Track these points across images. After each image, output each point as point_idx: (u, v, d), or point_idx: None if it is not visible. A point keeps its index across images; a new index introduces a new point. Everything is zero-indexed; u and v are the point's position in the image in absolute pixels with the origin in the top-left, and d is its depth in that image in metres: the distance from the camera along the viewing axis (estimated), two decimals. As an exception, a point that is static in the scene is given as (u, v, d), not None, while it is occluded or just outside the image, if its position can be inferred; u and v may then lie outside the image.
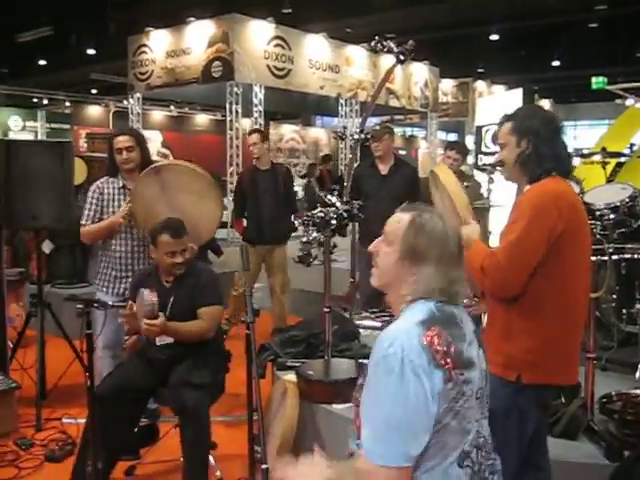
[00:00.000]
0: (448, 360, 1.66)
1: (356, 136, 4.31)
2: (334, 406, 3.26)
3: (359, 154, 5.24)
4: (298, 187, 14.66)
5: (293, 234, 5.70)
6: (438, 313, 1.74)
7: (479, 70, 22.38)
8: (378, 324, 4.69)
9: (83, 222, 4.05)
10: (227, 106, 14.47)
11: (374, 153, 5.49)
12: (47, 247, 5.75)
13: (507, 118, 2.55)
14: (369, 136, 5.33)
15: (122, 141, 4.01)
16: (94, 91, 27.77)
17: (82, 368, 4.53)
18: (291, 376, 3.53)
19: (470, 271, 2.34)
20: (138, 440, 3.73)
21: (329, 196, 3.69)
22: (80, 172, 6.31)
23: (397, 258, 1.82)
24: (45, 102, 26.12)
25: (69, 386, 4.72)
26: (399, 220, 1.85)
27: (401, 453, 1.63)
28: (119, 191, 4.07)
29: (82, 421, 3.85)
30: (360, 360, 3.59)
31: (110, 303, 2.98)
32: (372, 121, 16.84)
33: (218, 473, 3.49)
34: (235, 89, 14.30)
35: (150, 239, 3.55)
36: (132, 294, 3.47)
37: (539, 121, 2.46)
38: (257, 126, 14.42)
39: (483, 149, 8.53)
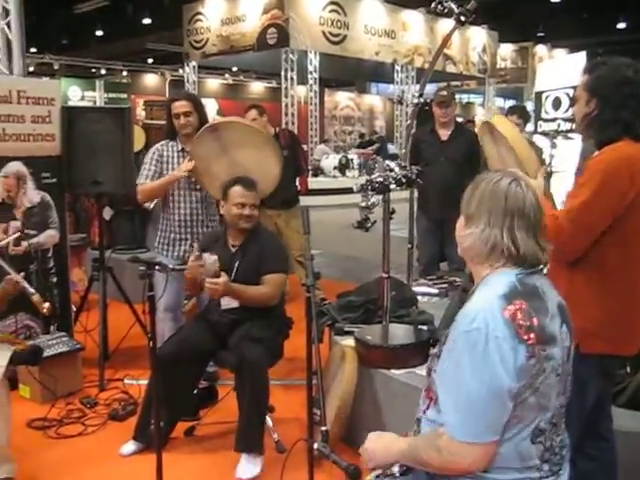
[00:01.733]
0: (531, 335, 1.63)
1: (415, 100, 4.24)
2: (392, 371, 3.25)
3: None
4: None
5: (351, 200, 5.66)
6: (520, 285, 1.69)
7: (539, 34, 21.73)
8: (435, 291, 4.65)
9: (141, 181, 4.10)
10: (282, 73, 14.46)
11: (439, 119, 5.37)
12: (107, 214, 5.86)
13: (588, 69, 2.39)
14: (439, 101, 5.27)
15: (180, 106, 4.04)
16: (150, 60, 28.06)
17: (142, 331, 4.69)
18: (349, 341, 3.52)
19: None
20: (197, 401, 3.80)
21: (387, 161, 3.64)
22: (138, 139, 6.39)
23: (463, 225, 1.79)
24: (103, 72, 26.52)
25: (130, 348, 4.83)
26: (469, 187, 1.81)
27: (485, 429, 1.62)
28: (178, 154, 4.11)
29: (143, 382, 3.94)
30: (419, 326, 3.56)
31: (171, 266, 3.00)
32: (428, 88, 16.51)
33: (275, 435, 3.52)
34: (290, 56, 14.26)
35: (221, 194, 3.57)
36: (198, 255, 3.48)
37: (612, 83, 2.27)
38: (312, 94, 14.31)
39: (543, 115, 8.29)
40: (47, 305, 3.30)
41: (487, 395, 1.60)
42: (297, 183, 6.04)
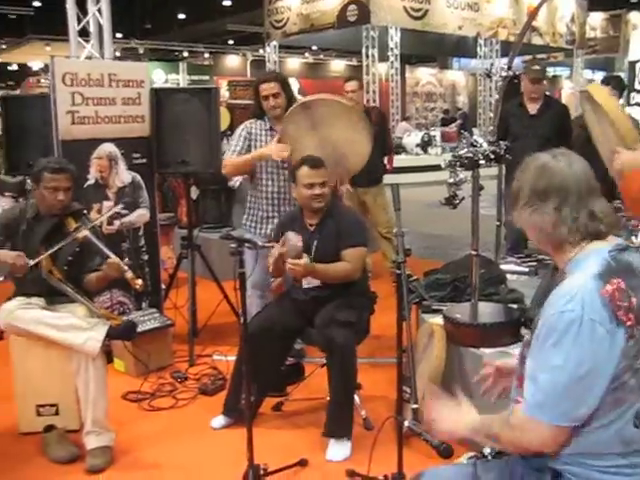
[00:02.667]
0: (630, 316, 1.55)
1: (504, 74, 4.12)
2: (482, 350, 3.19)
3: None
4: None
5: (433, 178, 5.64)
6: (614, 263, 1.61)
7: (633, 0, 20.71)
8: (525, 269, 4.54)
9: (229, 155, 4.14)
10: (363, 50, 14.32)
11: (530, 94, 5.22)
12: (194, 193, 5.98)
13: None
14: (533, 77, 5.12)
15: (268, 88, 4.04)
16: (231, 42, 28.37)
17: (230, 308, 4.78)
18: (437, 319, 3.48)
19: (625, 199, 2.16)
20: (285, 378, 3.85)
21: (475, 137, 3.56)
22: (223, 119, 6.47)
23: (524, 205, 1.72)
24: (185, 55, 27.00)
25: (218, 325, 4.93)
26: (519, 173, 1.75)
27: (567, 413, 1.57)
28: (266, 132, 4.12)
29: (231, 358, 4.01)
30: (509, 305, 3.48)
31: (260, 243, 3.03)
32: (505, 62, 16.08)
33: (363, 413, 3.52)
34: (371, 33, 14.12)
35: (291, 177, 3.58)
36: (276, 237, 3.52)
37: None
38: (394, 71, 14.15)
39: (636, 86, 7.94)
40: (140, 282, 3.40)
41: (571, 379, 1.55)
42: (385, 161, 6.00)
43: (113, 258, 3.35)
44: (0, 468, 3.19)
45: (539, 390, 1.59)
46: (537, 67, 5.39)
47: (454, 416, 1.81)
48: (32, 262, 3.25)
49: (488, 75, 4.08)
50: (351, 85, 5.66)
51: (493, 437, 1.70)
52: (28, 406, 3.46)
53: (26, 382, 3.44)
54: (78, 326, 3.20)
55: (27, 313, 3.25)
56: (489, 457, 1.89)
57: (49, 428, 3.37)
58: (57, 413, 3.44)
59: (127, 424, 3.57)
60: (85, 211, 3.75)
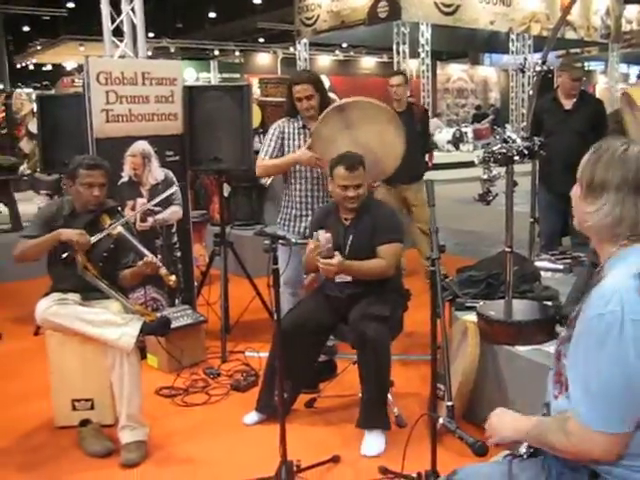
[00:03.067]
0: None
1: (538, 68, 4.07)
2: (517, 348, 3.16)
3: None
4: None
5: (464, 175, 5.64)
6: None
7: (670, -7, 20.33)
8: (559, 266, 4.48)
9: (262, 156, 4.14)
10: (394, 47, 14.25)
11: (568, 91, 5.16)
12: (225, 190, 6.00)
13: None
14: (575, 77, 5.06)
15: (301, 90, 4.04)
16: (261, 40, 28.46)
17: (262, 305, 4.80)
18: (471, 316, 3.45)
19: None
20: (318, 374, 3.85)
21: (509, 132, 3.52)
22: (255, 117, 6.49)
23: (583, 199, 1.68)
24: (216, 53, 27.15)
25: (250, 322, 4.95)
26: (588, 156, 1.70)
27: (620, 418, 1.53)
28: (299, 131, 4.12)
29: (264, 355, 4.02)
30: (544, 302, 3.44)
31: (294, 240, 3.03)
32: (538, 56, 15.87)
33: (395, 410, 3.51)
34: (402, 29, 14.04)
35: (329, 172, 3.58)
36: (313, 231, 3.51)
37: None
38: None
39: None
40: (174, 278, 3.44)
41: (621, 383, 1.51)
42: (426, 158, 5.96)
43: (148, 255, 3.39)
44: (37, 461, 3.24)
45: (589, 398, 1.55)
46: (578, 64, 5.34)
47: (509, 421, 1.80)
48: (94, 239, 3.34)
49: (522, 70, 4.02)
50: (396, 79, 5.64)
51: (548, 445, 1.67)
52: (64, 400, 3.52)
53: (62, 377, 3.49)
54: (113, 322, 3.24)
55: (63, 309, 3.30)
56: (524, 456, 1.87)
57: (85, 422, 3.41)
58: (92, 408, 3.48)
59: (160, 419, 3.60)
60: (119, 208, 3.79)
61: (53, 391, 3.54)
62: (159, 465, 3.19)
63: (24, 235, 3.46)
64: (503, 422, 1.82)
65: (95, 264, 3.43)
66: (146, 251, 3.43)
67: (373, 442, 3.23)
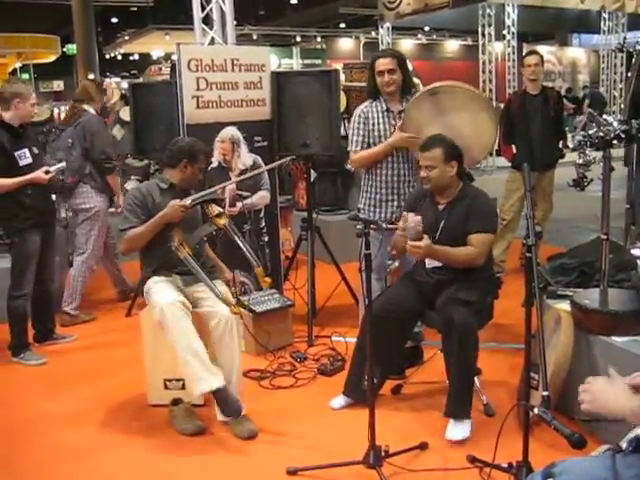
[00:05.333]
0: None
1: (638, 47, 3.91)
2: (613, 338, 3.05)
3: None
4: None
5: (565, 159, 5.46)
6: None
7: None
8: (657, 255, 4.30)
9: (353, 148, 4.10)
10: (479, 29, 13.94)
11: None
12: (311, 176, 6.03)
13: None
14: None
15: (383, 64, 3.99)
16: (343, 25, 28.36)
17: (348, 290, 4.81)
18: (564, 305, 3.36)
19: None
20: (404, 361, 3.83)
21: (605, 115, 3.40)
22: (341, 102, 6.49)
23: None
24: (298, 39, 27.23)
25: (336, 307, 4.98)
26: None
27: None
28: (383, 114, 4.07)
29: (350, 340, 4.04)
30: (643, 292, 3.31)
31: (385, 225, 3.02)
32: (630, 35, 15.23)
33: (484, 398, 3.46)
34: (487, 10, 13.72)
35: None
36: (408, 210, 3.48)
37: None
38: (510, 50, 13.73)
39: None
40: (269, 280, 3.50)
41: None
42: (560, 145, 5.77)
43: (247, 252, 3.57)
44: (130, 437, 3.37)
45: None
46: None
47: (613, 392, 1.73)
48: (189, 201, 3.47)
49: (620, 50, 3.88)
50: (533, 59, 5.50)
51: None
52: (157, 379, 3.64)
53: (155, 357, 3.61)
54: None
55: (180, 323, 3.29)
56: (627, 451, 1.79)
57: (176, 402, 3.52)
58: (183, 387, 3.58)
59: (249, 400, 3.65)
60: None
61: (147, 370, 3.66)
62: (248, 446, 3.24)
63: (125, 228, 3.50)
64: (605, 391, 1.74)
65: (191, 245, 3.47)
66: (246, 246, 3.52)
67: (458, 428, 3.21)
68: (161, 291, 3.40)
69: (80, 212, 5.10)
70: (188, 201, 3.46)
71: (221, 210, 3.57)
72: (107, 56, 29.58)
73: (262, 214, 4.75)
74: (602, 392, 1.75)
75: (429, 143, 3.44)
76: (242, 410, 3.32)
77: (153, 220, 3.44)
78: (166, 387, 3.62)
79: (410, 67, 4.45)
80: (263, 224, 4.77)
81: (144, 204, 3.51)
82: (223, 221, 3.51)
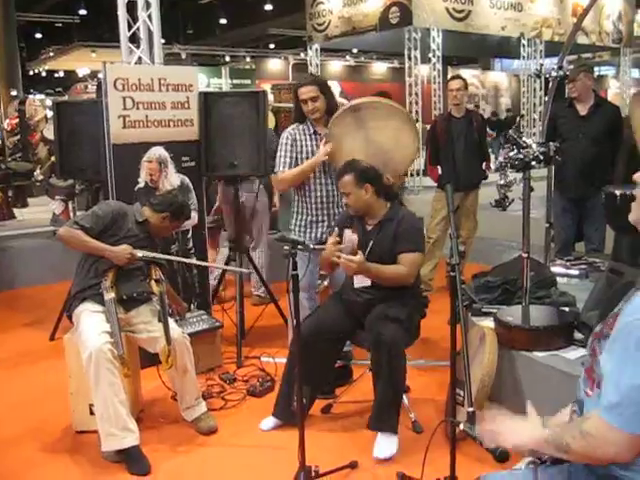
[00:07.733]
0: None
1: (554, 74, 4.07)
2: (535, 353, 3.15)
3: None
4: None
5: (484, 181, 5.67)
6: None
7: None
8: (575, 272, 4.47)
9: (280, 169, 4.11)
10: (405, 52, 14.24)
11: (570, 94, 5.16)
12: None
13: None
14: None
15: (306, 92, 4.03)
16: (272, 46, 28.51)
17: (277, 310, 4.80)
18: (487, 322, 3.45)
19: None
20: (334, 380, 3.85)
21: (524, 137, 3.52)
22: (269, 122, 6.51)
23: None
24: (227, 59, 27.20)
25: (265, 327, 4.96)
26: None
27: None
28: (311, 137, 4.10)
29: (279, 360, 4.03)
30: (562, 308, 3.44)
31: (312, 246, 3.04)
32: (548, 62, 15.88)
33: (412, 415, 3.51)
34: (413, 34, 14.04)
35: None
36: (339, 230, 3.50)
37: None
38: (436, 72, 14.08)
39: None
40: (170, 362, 3.45)
41: None
42: (483, 166, 5.90)
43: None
44: (57, 465, 3.26)
45: (617, 396, 1.54)
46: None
47: (520, 429, 1.77)
48: (140, 254, 3.48)
49: (538, 75, 4.03)
50: (456, 83, 5.62)
51: (564, 448, 1.64)
52: (82, 405, 3.53)
53: (79, 382, 3.49)
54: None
55: (105, 376, 3.19)
56: (548, 462, 1.85)
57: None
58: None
59: (176, 424, 3.60)
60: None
61: (71, 396, 3.55)
62: (174, 470, 3.19)
63: (79, 223, 3.45)
64: (516, 430, 1.77)
65: (120, 292, 3.45)
66: (165, 319, 3.44)
67: (385, 445, 3.23)
68: (92, 328, 3.30)
69: None
70: (140, 254, 3.46)
71: (162, 278, 3.60)
72: (31, 72, 28.83)
73: (189, 235, 4.70)
74: (513, 430, 1.77)
75: (341, 171, 3.51)
76: (150, 468, 3.20)
77: (101, 246, 3.42)
78: (92, 412, 3.52)
79: (338, 89, 4.51)
80: (191, 245, 4.72)
81: (113, 220, 3.50)
82: (158, 289, 3.52)
